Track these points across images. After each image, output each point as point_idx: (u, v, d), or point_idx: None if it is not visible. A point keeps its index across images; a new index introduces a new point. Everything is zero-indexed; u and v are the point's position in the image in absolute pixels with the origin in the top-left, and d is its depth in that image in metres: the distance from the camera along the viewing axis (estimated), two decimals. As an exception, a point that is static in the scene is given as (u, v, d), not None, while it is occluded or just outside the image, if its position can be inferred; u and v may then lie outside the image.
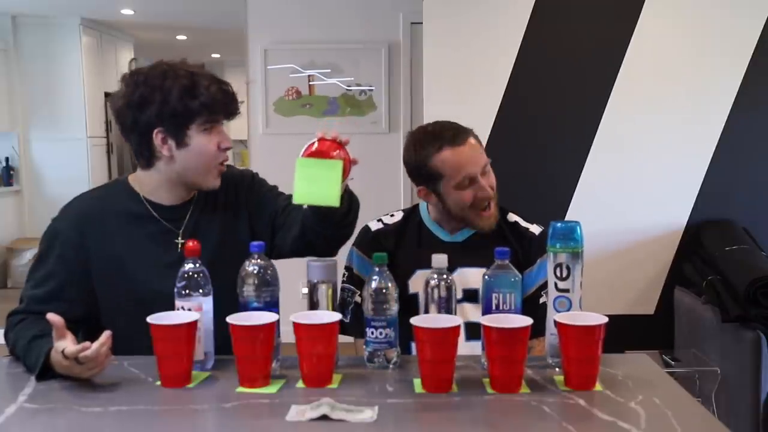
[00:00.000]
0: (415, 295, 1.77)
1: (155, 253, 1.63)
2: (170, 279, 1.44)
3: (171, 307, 1.43)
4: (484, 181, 1.77)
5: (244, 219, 1.71)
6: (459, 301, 1.56)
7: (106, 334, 1.34)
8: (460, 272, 1.76)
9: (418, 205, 1.93)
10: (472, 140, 1.78)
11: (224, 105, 1.61)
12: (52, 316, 1.37)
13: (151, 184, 1.66)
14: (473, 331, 1.68)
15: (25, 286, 1.63)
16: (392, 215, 1.92)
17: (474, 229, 1.83)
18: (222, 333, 1.43)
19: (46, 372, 1.40)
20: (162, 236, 1.64)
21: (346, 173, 1.47)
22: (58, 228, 1.63)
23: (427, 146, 1.78)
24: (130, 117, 1.59)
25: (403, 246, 1.84)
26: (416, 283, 1.78)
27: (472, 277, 1.76)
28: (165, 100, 1.55)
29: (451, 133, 1.77)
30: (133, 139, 1.62)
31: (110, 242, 1.62)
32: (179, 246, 1.64)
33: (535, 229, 1.87)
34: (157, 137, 1.58)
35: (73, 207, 1.67)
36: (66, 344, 1.35)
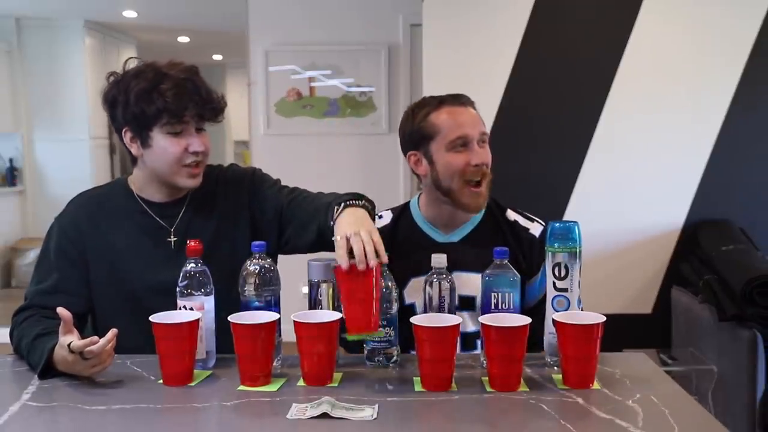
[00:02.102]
0: (412, 306, 1.69)
1: (148, 248, 1.65)
2: (161, 274, 1.45)
3: (161, 302, 1.44)
4: (479, 148, 1.68)
5: (244, 220, 1.70)
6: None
7: (112, 332, 1.36)
8: (456, 276, 1.58)
9: (408, 203, 1.84)
10: (473, 110, 1.72)
11: (191, 108, 1.58)
12: (61, 310, 1.39)
13: (140, 181, 1.69)
14: (469, 341, 1.67)
15: (29, 284, 1.66)
16: (380, 216, 1.80)
17: (460, 208, 1.71)
18: (217, 330, 1.45)
19: (48, 370, 1.41)
20: (155, 232, 1.66)
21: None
22: (57, 224, 1.68)
23: (426, 105, 1.71)
24: (108, 115, 1.65)
25: (395, 249, 1.66)
26: (411, 292, 1.70)
27: (468, 282, 1.66)
28: (126, 102, 1.58)
29: (454, 95, 1.72)
30: (118, 136, 1.67)
31: (105, 237, 1.65)
32: (172, 243, 1.66)
33: (536, 229, 1.77)
34: (126, 136, 1.63)
35: (72, 204, 1.71)
36: (72, 339, 1.36)
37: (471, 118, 1.70)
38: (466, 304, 1.68)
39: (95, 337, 1.34)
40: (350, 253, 1.37)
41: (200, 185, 1.68)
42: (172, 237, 1.67)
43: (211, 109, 1.62)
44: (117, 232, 1.66)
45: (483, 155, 1.68)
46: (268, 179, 1.77)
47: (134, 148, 1.63)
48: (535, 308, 1.64)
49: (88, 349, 1.33)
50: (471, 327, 1.67)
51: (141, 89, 1.56)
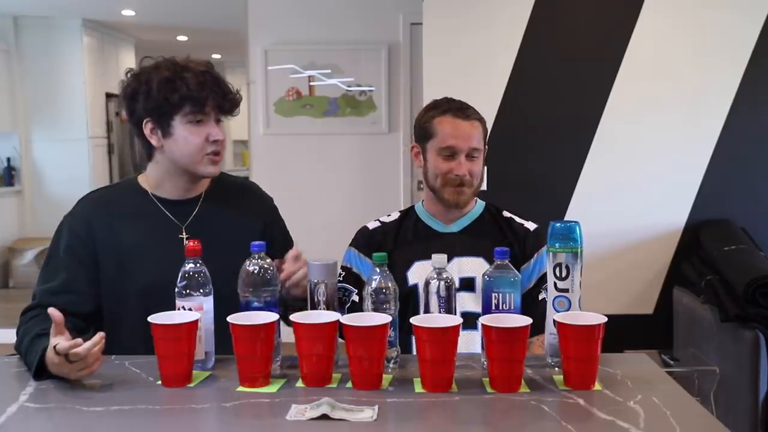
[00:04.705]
0: (415, 286, 1.78)
1: (159, 246, 1.66)
2: (172, 272, 1.46)
3: (173, 299, 1.43)
4: (465, 162, 1.79)
5: (257, 228, 1.74)
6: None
7: (99, 335, 1.35)
8: (457, 261, 1.78)
9: (413, 206, 1.95)
10: (475, 124, 1.81)
11: (211, 99, 1.62)
12: (52, 311, 1.38)
13: (155, 178, 1.71)
14: (469, 320, 1.68)
15: (37, 282, 1.65)
16: (389, 215, 1.95)
17: (443, 203, 1.84)
18: (222, 331, 1.44)
19: (42, 372, 1.40)
20: (167, 230, 1.67)
21: None
22: (66, 223, 1.68)
23: (437, 108, 1.85)
24: (127, 110, 1.67)
25: (400, 241, 1.86)
26: (414, 274, 1.80)
27: (468, 265, 1.80)
28: (148, 92, 1.61)
29: (462, 107, 1.83)
30: (135, 130, 1.69)
31: (117, 235, 1.65)
32: (183, 241, 1.66)
33: (530, 225, 1.88)
34: (146, 127, 1.65)
35: (82, 203, 1.72)
36: (60, 340, 1.35)
37: (466, 131, 1.80)
38: (466, 285, 1.78)
39: (79, 340, 1.33)
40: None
41: (216, 187, 1.73)
42: (183, 234, 1.68)
43: (230, 100, 1.67)
44: (128, 231, 1.66)
45: (465, 168, 1.80)
46: (281, 223, 1.84)
47: (154, 140, 1.65)
48: (523, 295, 1.64)
49: (73, 351, 1.31)
50: (471, 307, 1.73)
51: (164, 77, 1.60)
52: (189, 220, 1.69)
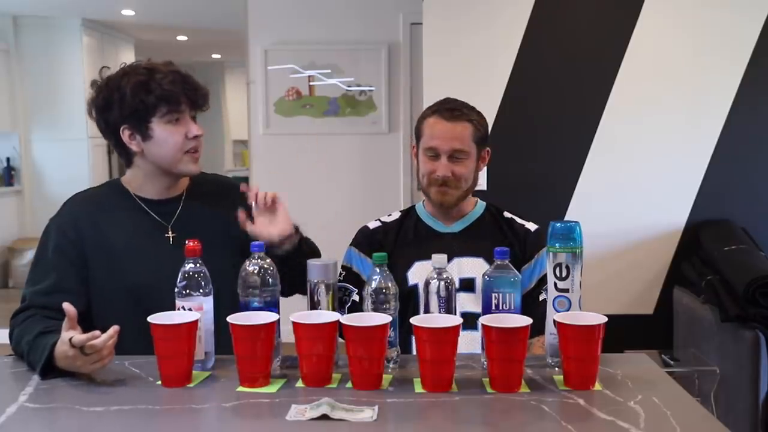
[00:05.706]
0: (415, 286, 1.79)
1: (146, 245, 1.67)
2: (161, 271, 1.46)
3: (161, 299, 1.44)
4: (447, 162, 1.79)
5: (240, 225, 1.73)
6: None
7: (114, 328, 1.36)
8: (457, 262, 1.79)
9: (414, 206, 1.96)
10: (463, 125, 1.79)
11: (184, 96, 1.64)
12: (67, 306, 1.38)
13: (137, 180, 1.72)
14: (469, 321, 1.69)
15: (25, 286, 1.65)
16: (390, 215, 1.95)
17: (429, 200, 1.86)
18: (216, 330, 1.44)
19: (50, 368, 1.40)
20: (153, 229, 1.68)
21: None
22: (53, 225, 1.69)
23: (430, 108, 1.87)
24: (101, 120, 1.68)
25: (401, 241, 1.87)
26: (415, 274, 1.81)
27: (467, 266, 1.81)
28: (122, 98, 1.61)
29: (451, 107, 1.82)
30: (110, 140, 1.70)
31: (103, 236, 1.66)
32: (170, 240, 1.68)
33: (531, 226, 1.89)
34: (124, 134, 1.66)
35: (68, 205, 1.72)
36: (74, 334, 1.35)
37: (449, 133, 1.79)
38: (466, 285, 1.79)
39: (97, 332, 1.34)
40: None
41: (196, 185, 1.75)
42: (170, 233, 1.68)
43: (202, 95, 1.68)
44: (116, 230, 1.67)
45: (447, 168, 1.79)
46: None
47: (134, 145, 1.65)
48: (524, 296, 1.64)
49: (90, 343, 1.32)
50: (471, 308, 1.74)
51: (137, 82, 1.61)
52: (174, 219, 1.70)
